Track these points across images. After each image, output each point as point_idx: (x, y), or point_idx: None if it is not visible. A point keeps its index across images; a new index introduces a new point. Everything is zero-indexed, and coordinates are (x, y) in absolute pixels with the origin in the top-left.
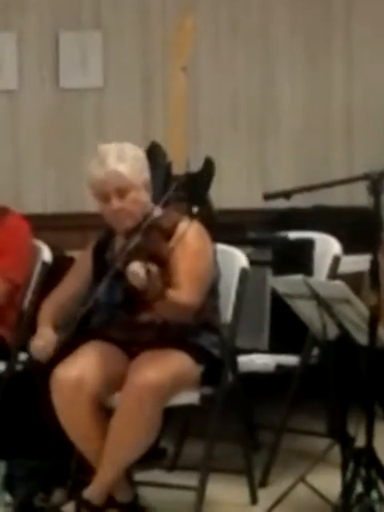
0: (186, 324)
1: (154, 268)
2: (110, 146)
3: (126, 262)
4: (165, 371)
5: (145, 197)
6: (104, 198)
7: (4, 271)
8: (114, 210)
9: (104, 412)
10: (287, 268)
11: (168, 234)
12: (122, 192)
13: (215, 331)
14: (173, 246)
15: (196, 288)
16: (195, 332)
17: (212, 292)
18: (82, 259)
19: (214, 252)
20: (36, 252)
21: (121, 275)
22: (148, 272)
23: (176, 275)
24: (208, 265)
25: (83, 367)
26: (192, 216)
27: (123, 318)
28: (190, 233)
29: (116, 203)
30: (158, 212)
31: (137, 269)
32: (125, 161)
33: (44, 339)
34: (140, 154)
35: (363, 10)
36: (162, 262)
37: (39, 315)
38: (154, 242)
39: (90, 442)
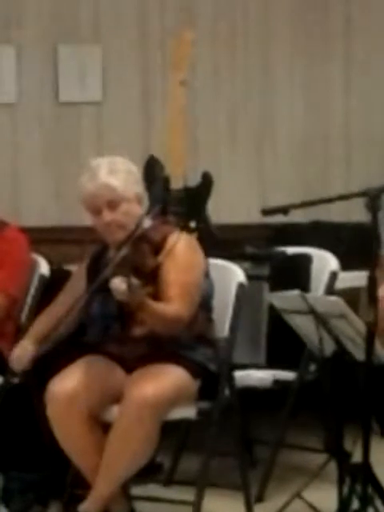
0: (181, 338)
1: (135, 281)
2: (102, 160)
3: (113, 275)
4: (163, 386)
5: (137, 209)
6: (96, 211)
7: (1, 284)
8: (106, 222)
9: (99, 426)
10: (284, 283)
11: (157, 246)
12: (113, 205)
13: (210, 344)
14: (161, 259)
15: (185, 301)
16: (190, 346)
17: (205, 305)
18: (77, 275)
19: (206, 264)
20: (34, 265)
21: None
22: (129, 285)
23: (165, 288)
24: (198, 277)
25: (77, 381)
26: (189, 230)
27: (118, 332)
28: (180, 245)
29: (107, 216)
30: (147, 224)
31: (117, 284)
32: (116, 174)
33: (21, 349)
34: (132, 167)
35: (362, 25)
36: (146, 275)
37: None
38: (139, 254)
39: (84, 455)
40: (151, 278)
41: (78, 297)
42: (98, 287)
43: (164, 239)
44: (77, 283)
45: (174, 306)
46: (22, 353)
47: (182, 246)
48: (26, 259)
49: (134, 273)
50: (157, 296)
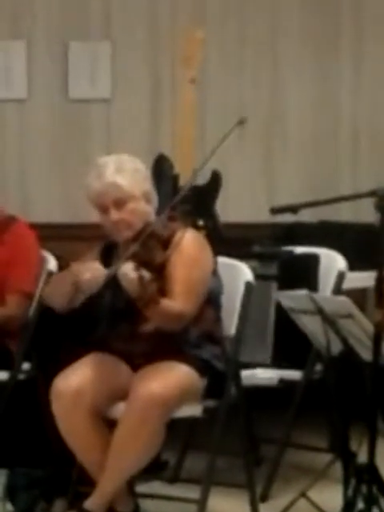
0: (188, 335)
1: (146, 274)
2: (108, 159)
3: None
4: (169, 384)
5: (144, 207)
6: (103, 209)
7: (15, 283)
8: (113, 221)
9: (104, 423)
10: (292, 282)
11: (165, 242)
12: (120, 203)
13: (218, 343)
14: (169, 254)
15: (190, 298)
16: (197, 344)
17: (214, 303)
18: (90, 255)
19: (215, 262)
20: (42, 262)
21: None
22: (140, 277)
23: (171, 283)
24: (204, 274)
25: (83, 378)
26: (197, 229)
27: (125, 328)
28: (187, 241)
29: (114, 215)
30: (156, 221)
31: (128, 270)
32: (122, 172)
33: (92, 271)
34: (139, 165)
35: (372, 23)
36: (156, 270)
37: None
38: (149, 250)
39: (89, 452)
40: (159, 274)
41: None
42: (106, 283)
43: (172, 235)
44: (91, 258)
45: (178, 303)
46: (97, 273)
47: (189, 242)
48: (36, 255)
49: (145, 268)
50: (162, 291)
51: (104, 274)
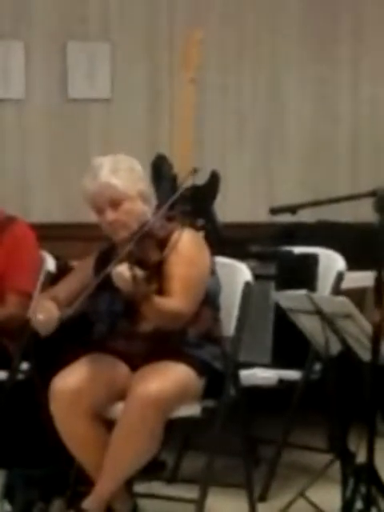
0: (187, 335)
1: (140, 272)
2: (103, 159)
3: None
4: (168, 383)
5: (141, 207)
6: (99, 210)
7: (14, 283)
8: (109, 221)
9: (102, 423)
10: (291, 283)
11: (162, 242)
12: (115, 203)
13: (217, 343)
14: (166, 254)
15: (187, 295)
16: (196, 344)
17: (212, 303)
18: (84, 265)
19: (212, 262)
20: (40, 261)
21: None
22: (134, 276)
23: (168, 282)
24: (201, 273)
25: (81, 378)
26: (196, 229)
27: (124, 328)
28: (184, 240)
29: (110, 215)
30: (152, 220)
31: (121, 270)
32: (117, 173)
33: (46, 313)
34: (135, 165)
35: (371, 27)
36: (150, 268)
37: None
38: (144, 248)
39: (88, 452)
40: (156, 273)
41: (84, 286)
42: (105, 284)
43: (169, 235)
44: (83, 271)
45: (175, 300)
46: (49, 315)
47: (186, 242)
48: (36, 255)
49: (139, 266)
50: (160, 291)
51: (57, 317)
